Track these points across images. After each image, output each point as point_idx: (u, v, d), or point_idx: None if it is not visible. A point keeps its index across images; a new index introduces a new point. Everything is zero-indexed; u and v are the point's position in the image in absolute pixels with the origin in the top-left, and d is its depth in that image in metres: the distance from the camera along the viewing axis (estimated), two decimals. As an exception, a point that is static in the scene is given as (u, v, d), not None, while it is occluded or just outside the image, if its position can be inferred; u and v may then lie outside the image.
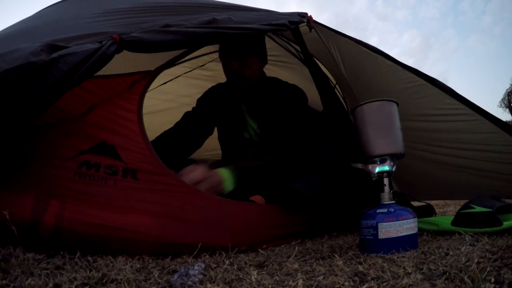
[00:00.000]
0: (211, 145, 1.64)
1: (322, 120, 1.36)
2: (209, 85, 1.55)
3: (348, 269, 0.68)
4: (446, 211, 1.80)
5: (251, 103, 1.38)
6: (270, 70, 1.71)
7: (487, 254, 0.68)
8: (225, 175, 1.05)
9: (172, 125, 1.43)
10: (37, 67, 0.67)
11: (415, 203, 1.40)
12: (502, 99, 20.02)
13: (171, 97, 1.98)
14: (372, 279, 0.61)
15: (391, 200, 0.86)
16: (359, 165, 0.93)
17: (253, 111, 1.38)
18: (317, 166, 1.13)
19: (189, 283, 0.62)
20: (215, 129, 1.52)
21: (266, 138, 1.35)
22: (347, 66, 1.43)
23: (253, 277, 0.66)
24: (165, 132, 1.40)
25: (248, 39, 1.30)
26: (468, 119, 1.19)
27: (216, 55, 1.94)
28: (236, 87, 1.34)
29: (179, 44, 0.90)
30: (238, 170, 1.08)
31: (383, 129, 0.90)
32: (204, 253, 0.89)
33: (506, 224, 0.88)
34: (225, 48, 1.32)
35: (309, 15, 1.17)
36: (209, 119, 1.45)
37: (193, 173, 0.99)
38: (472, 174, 1.37)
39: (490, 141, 1.21)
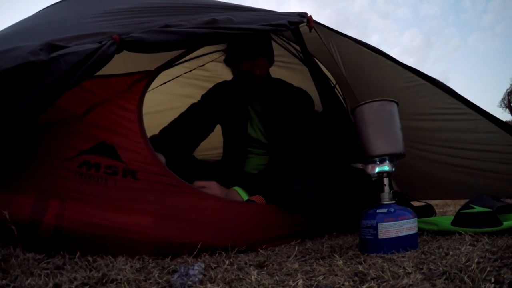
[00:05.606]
0: (209, 145, 1.64)
1: (323, 121, 1.36)
2: (208, 85, 1.54)
3: (348, 269, 0.68)
4: (446, 211, 1.80)
5: (259, 103, 1.38)
6: (271, 70, 1.71)
7: (487, 254, 0.68)
8: (239, 190, 1.13)
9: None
10: (36, 67, 0.67)
11: (415, 203, 1.40)
12: (502, 99, 19.95)
13: (171, 97, 1.98)
14: (372, 279, 0.61)
15: (391, 200, 0.86)
16: (359, 165, 0.93)
17: (260, 111, 1.38)
18: (318, 167, 1.13)
19: (189, 283, 0.62)
20: (215, 129, 1.52)
21: (270, 137, 1.35)
22: (347, 66, 1.43)
23: (253, 277, 0.66)
24: (171, 123, 1.39)
25: (259, 40, 1.30)
26: (468, 119, 1.18)
27: (216, 55, 1.93)
28: (246, 87, 1.34)
29: (179, 44, 0.90)
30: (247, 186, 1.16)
31: (383, 129, 0.90)
32: (204, 253, 0.89)
33: (506, 224, 0.88)
34: (236, 48, 1.31)
35: (309, 15, 1.17)
36: (212, 116, 1.44)
37: (212, 191, 1.05)
38: (472, 174, 1.37)
39: (490, 141, 1.21)
